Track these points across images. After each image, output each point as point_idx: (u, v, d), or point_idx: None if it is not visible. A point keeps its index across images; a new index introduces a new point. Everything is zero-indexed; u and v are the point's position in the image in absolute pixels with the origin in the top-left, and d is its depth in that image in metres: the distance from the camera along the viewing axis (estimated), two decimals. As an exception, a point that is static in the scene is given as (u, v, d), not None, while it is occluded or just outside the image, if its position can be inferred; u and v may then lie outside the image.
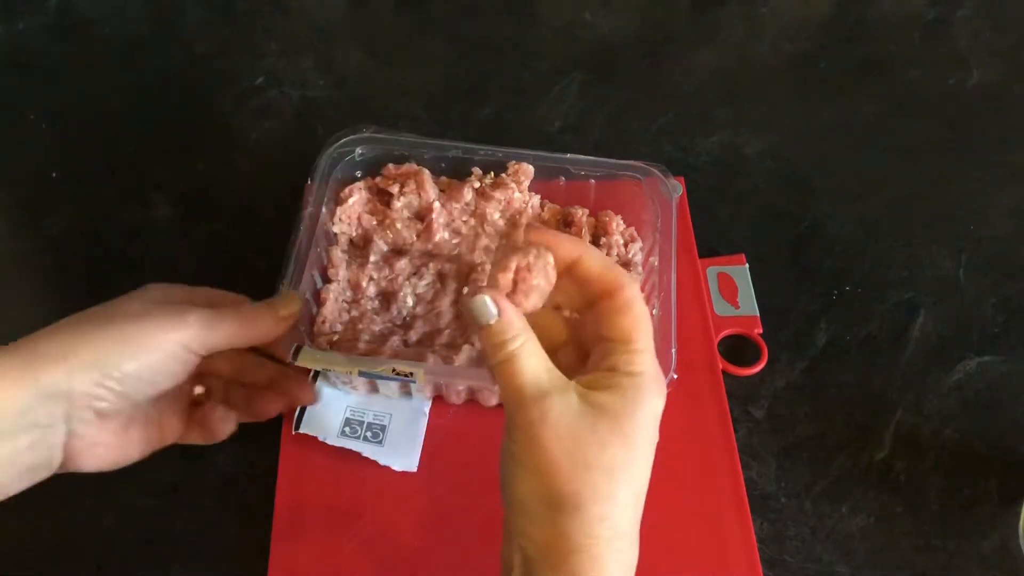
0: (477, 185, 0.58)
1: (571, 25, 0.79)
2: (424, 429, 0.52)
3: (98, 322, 0.40)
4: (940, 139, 0.71)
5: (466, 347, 0.50)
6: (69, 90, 0.73)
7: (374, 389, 0.53)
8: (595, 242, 0.57)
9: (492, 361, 0.35)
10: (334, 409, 0.52)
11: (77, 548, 0.50)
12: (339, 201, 0.56)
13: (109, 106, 0.72)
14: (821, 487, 0.52)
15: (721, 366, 0.56)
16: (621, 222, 0.58)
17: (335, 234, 0.56)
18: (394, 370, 0.47)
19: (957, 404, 0.56)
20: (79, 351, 0.38)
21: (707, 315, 0.58)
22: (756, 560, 0.48)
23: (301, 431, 0.51)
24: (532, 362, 0.35)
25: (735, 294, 0.59)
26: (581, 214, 0.58)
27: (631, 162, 0.57)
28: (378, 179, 0.59)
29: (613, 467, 0.34)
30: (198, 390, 0.48)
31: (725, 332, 0.58)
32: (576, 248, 0.37)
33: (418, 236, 0.57)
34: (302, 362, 0.47)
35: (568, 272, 0.37)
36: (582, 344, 0.38)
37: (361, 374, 0.48)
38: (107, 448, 0.41)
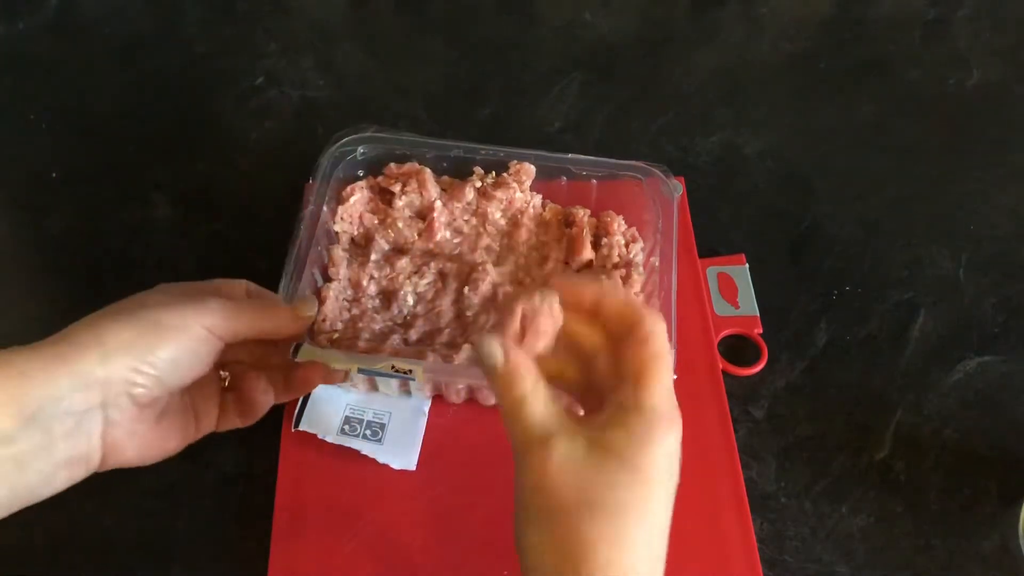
0: (479, 185, 0.58)
1: (571, 25, 0.79)
2: (423, 428, 0.52)
3: (127, 311, 0.40)
4: (940, 139, 0.71)
5: (466, 346, 0.51)
6: (69, 90, 0.73)
7: (374, 387, 0.53)
8: (596, 243, 0.57)
9: (500, 405, 0.36)
10: (334, 407, 0.52)
11: (77, 548, 0.50)
12: (341, 200, 0.57)
13: (109, 106, 0.72)
14: (821, 487, 0.52)
15: (721, 366, 0.56)
16: (623, 223, 0.58)
17: (336, 233, 0.56)
18: (393, 367, 0.47)
19: (957, 404, 0.56)
20: (112, 338, 0.38)
21: (707, 315, 0.58)
22: (756, 560, 0.48)
23: (300, 428, 0.51)
24: (539, 406, 0.35)
25: (735, 294, 0.59)
26: (583, 215, 0.58)
27: (632, 162, 0.57)
28: (380, 178, 0.59)
29: (620, 507, 0.32)
30: (223, 375, 0.48)
31: (725, 332, 0.58)
32: (598, 289, 0.37)
33: (419, 235, 0.57)
34: (302, 359, 0.47)
35: (595, 313, 0.37)
36: (599, 388, 0.38)
37: (360, 371, 0.48)
38: (145, 439, 0.41)
